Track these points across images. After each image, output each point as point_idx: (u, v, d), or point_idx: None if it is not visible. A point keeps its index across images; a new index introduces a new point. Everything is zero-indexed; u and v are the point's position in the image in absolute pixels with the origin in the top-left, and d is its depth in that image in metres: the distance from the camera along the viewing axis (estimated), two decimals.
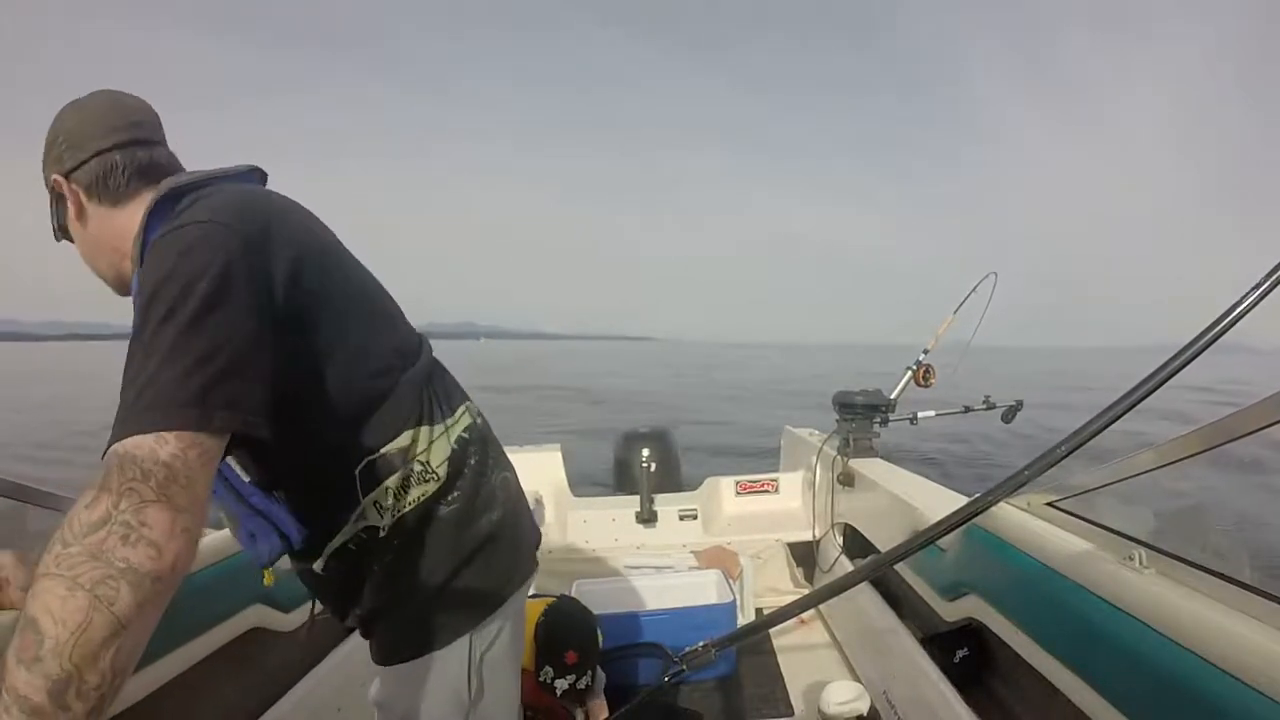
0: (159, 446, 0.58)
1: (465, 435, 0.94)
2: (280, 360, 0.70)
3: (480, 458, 0.95)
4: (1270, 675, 0.85)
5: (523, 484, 1.14)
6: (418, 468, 0.87)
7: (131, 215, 0.82)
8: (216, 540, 1.74)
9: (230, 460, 0.79)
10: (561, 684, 1.72)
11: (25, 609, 0.52)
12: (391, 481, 0.85)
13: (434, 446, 0.89)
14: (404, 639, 0.91)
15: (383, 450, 0.84)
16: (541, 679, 1.73)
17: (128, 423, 0.59)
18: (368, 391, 0.84)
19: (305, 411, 0.77)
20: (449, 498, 0.90)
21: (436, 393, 0.94)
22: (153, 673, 1.40)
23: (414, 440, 0.87)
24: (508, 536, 0.97)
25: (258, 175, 0.94)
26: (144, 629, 0.56)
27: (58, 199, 0.86)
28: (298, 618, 1.95)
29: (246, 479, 0.82)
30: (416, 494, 0.87)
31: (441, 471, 0.89)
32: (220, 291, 0.64)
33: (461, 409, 0.97)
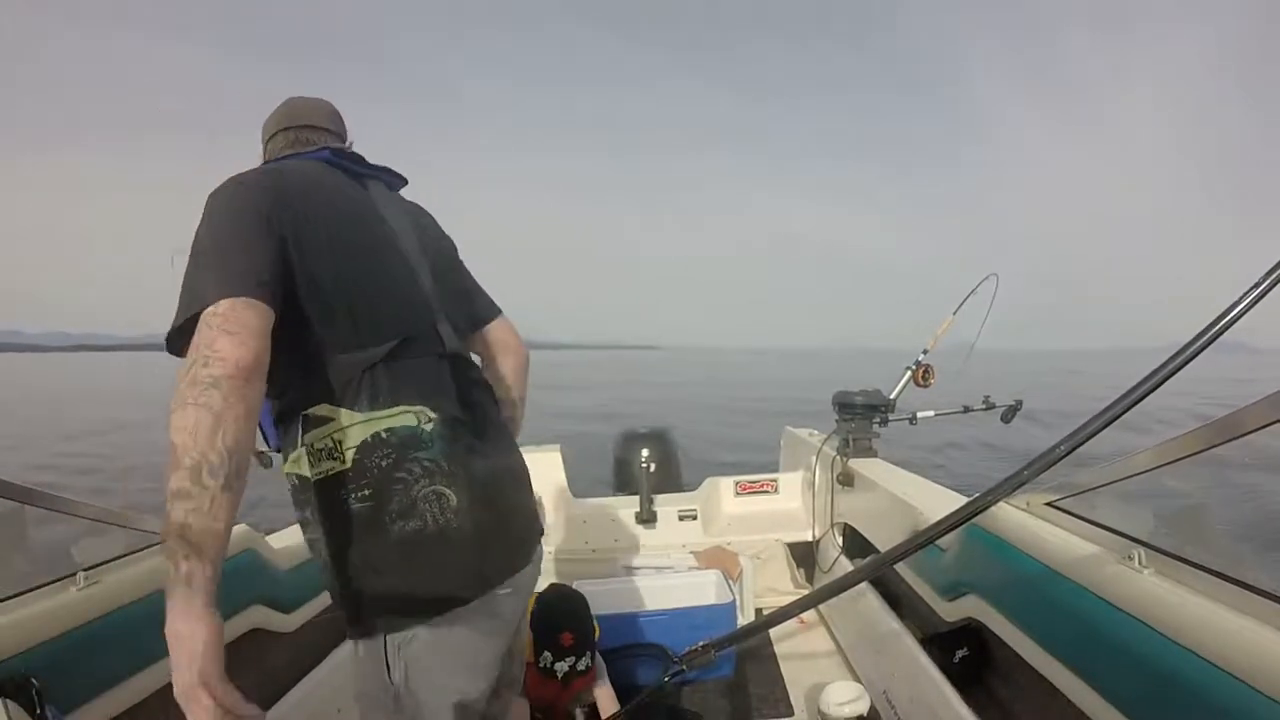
0: (215, 309, 0.79)
1: (385, 435, 0.93)
2: None
3: (395, 461, 0.93)
4: (1270, 675, 0.85)
5: None
6: (330, 443, 0.93)
7: None
8: None
9: None
10: (562, 666, 1.74)
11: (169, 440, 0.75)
12: (313, 440, 0.94)
13: (349, 430, 0.92)
14: (347, 622, 1.00)
15: (309, 411, 0.94)
16: (541, 665, 1.75)
17: (192, 304, 0.82)
18: (310, 352, 0.93)
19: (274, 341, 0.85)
20: (359, 493, 0.92)
21: (379, 382, 0.94)
22: (152, 673, 1.40)
23: (333, 416, 0.93)
24: (430, 553, 0.95)
25: (332, 151, 1.10)
26: (236, 418, 0.75)
27: None
28: (298, 618, 1.95)
29: None
30: (325, 467, 0.94)
31: (348, 457, 0.92)
32: (234, 221, 0.88)
33: (404, 409, 0.95)
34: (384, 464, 0.92)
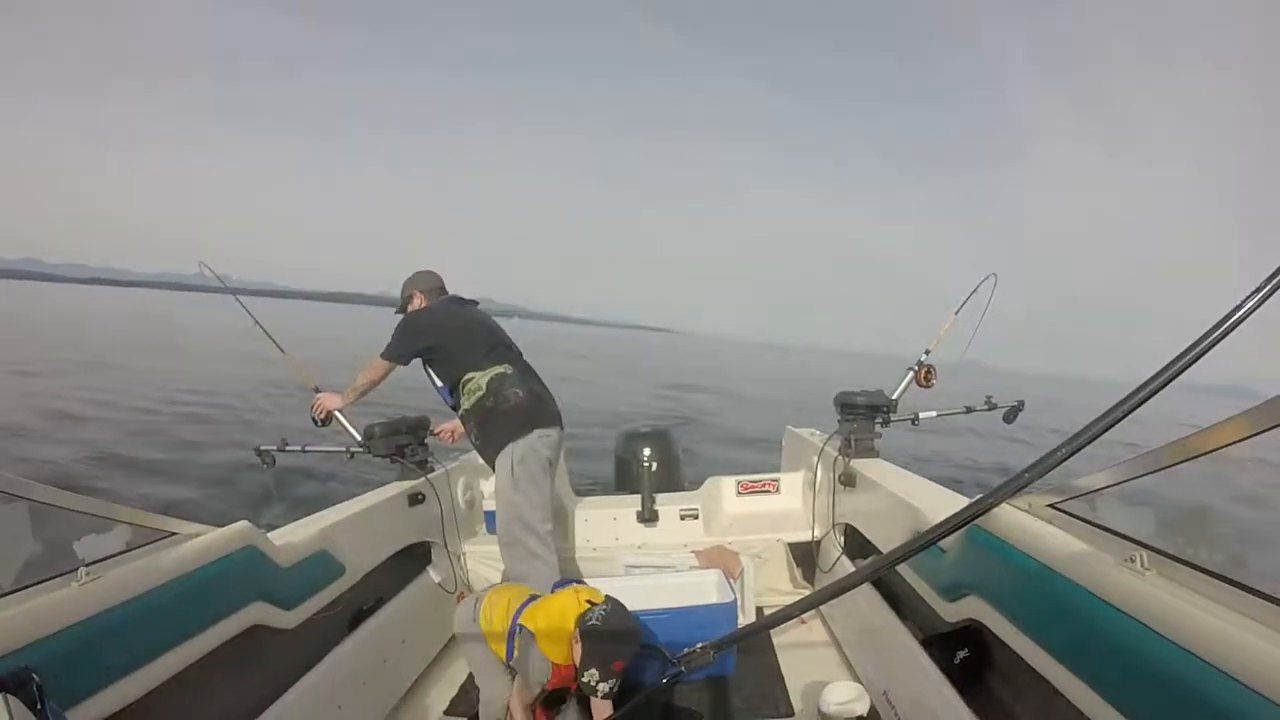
0: (382, 357, 2.61)
1: (501, 371, 2.58)
2: (424, 348, 2.61)
3: (502, 383, 2.55)
4: (1270, 677, 0.85)
5: None
6: (473, 382, 2.57)
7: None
8: (218, 538, 1.74)
9: (432, 373, 2.69)
10: (604, 687, 1.73)
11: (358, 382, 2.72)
12: (465, 389, 2.58)
13: (481, 376, 2.57)
14: (486, 452, 2.63)
15: (465, 376, 2.58)
16: (586, 680, 1.72)
17: (384, 353, 2.60)
18: (457, 360, 2.60)
19: (439, 362, 2.65)
20: (488, 400, 2.53)
21: (489, 360, 2.59)
22: (153, 669, 1.41)
23: (473, 376, 2.58)
24: (513, 413, 2.51)
25: (448, 298, 2.80)
26: (367, 385, 2.67)
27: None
28: (298, 615, 1.96)
29: (439, 383, 2.70)
30: (473, 393, 2.58)
31: (483, 384, 2.56)
32: (403, 329, 2.63)
33: (505, 366, 2.60)
34: (499, 383, 2.54)
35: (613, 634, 1.79)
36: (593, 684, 1.73)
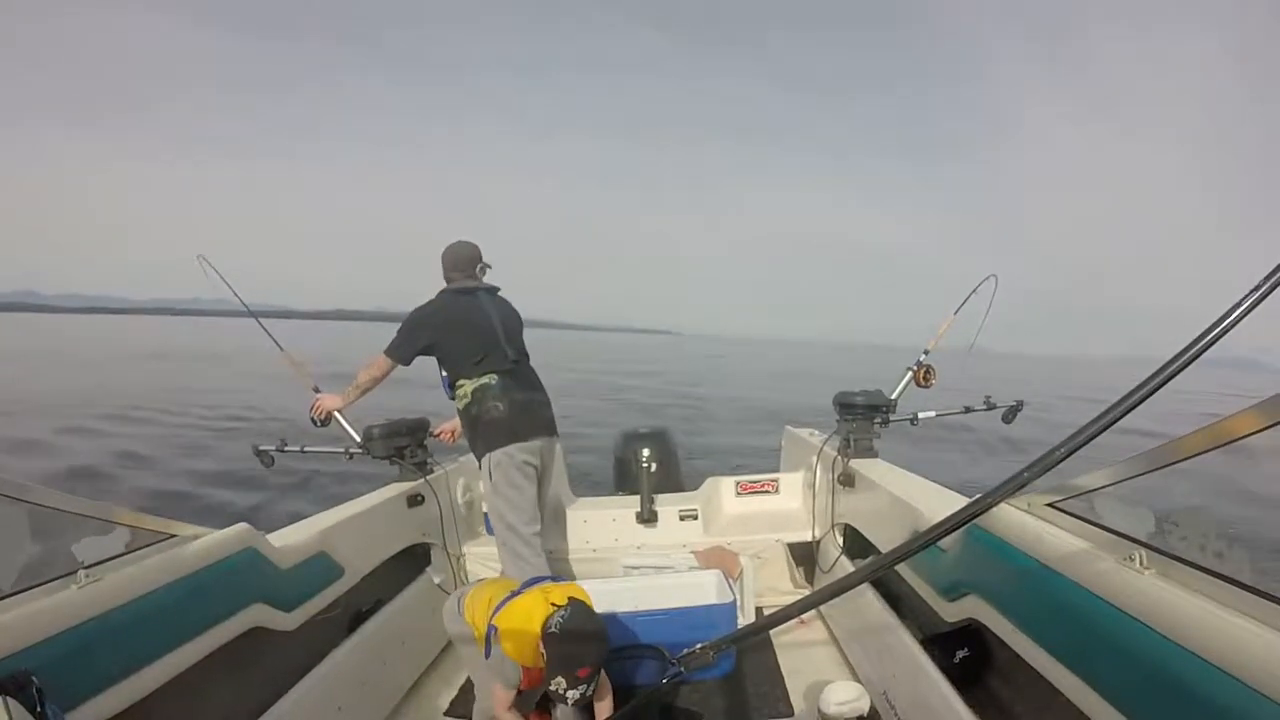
0: (384, 354, 2.60)
1: (484, 381, 2.54)
2: (424, 346, 2.58)
3: (485, 393, 2.54)
4: (1270, 675, 0.85)
5: None
6: (463, 392, 2.58)
7: None
8: (217, 540, 1.74)
9: (439, 365, 2.67)
10: (573, 694, 1.68)
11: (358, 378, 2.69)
12: (457, 393, 2.60)
13: (469, 386, 2.56)
14: (474, 453, 2.67)
15: (458, 382, 2.60)
16: (553, 689, 1.69)
17: (386, 350, 2.60)
18: (455, 362, 2.61)
19: (440, 360, 2.65)
20: (475, 407, 2.54)
21: (478, 369, 2.55)
22: (152, 671, 1.41)
23: (466, 381, 2.57)
24: (495, 423, 2.53)
25: (461, 288, 2.66)
26: (369, 383, 2.64)
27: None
28: (298, 617, 1.96)
29: (443, 373, 2.69)
30: (461, 400, 2.59)
31: (470, 394, 2.55)
32: (409, 324, 2.60)
33: (490, 374, 2.56)
34: (482, 394, 2.54)
35: (576, 639, 1.73)
36: (560, 691, 1.68)
